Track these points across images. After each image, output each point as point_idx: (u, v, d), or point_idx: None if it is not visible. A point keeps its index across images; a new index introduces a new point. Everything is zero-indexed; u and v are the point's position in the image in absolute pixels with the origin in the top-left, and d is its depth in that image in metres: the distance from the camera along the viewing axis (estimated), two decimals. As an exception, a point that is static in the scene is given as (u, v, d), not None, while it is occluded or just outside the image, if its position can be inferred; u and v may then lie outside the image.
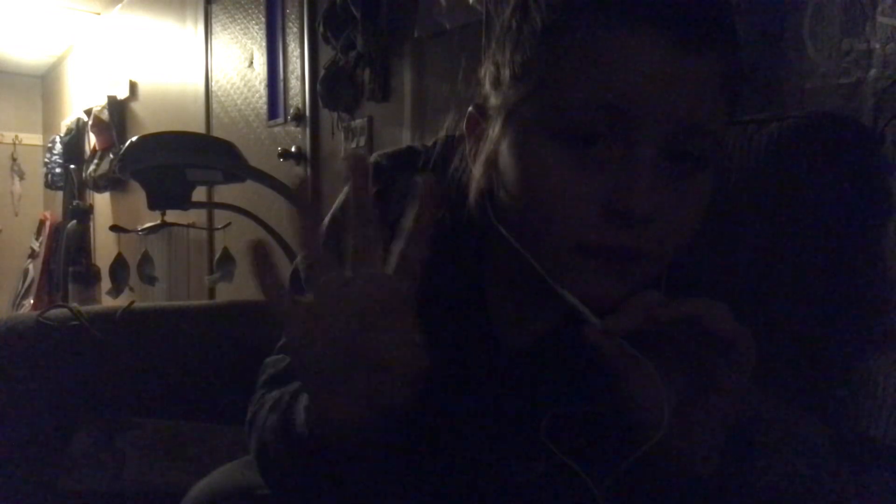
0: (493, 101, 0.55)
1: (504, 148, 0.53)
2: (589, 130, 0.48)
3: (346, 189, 0.65)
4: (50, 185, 4.65)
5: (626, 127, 0.47)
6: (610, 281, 0.50)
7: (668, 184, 0.48)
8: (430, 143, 0.65)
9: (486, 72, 0.56)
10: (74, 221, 4.06)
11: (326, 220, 0.63)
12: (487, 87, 0.56)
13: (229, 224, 1.99)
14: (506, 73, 0.53)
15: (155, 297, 2.96)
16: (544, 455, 0.57)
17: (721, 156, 0.55)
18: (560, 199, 0.49)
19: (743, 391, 0.49)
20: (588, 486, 0.52)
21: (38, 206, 5.25)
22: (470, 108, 0.57)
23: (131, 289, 2.32)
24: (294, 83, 2.19)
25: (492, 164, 0.55)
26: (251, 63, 2.44)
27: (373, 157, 0.64)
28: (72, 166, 4.29)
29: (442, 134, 0.61)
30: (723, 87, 0.48)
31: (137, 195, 2.92)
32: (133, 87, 3.65)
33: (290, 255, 1.59)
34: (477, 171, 0.56)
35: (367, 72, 1.77)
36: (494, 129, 0.54)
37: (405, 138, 1.69)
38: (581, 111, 0.47)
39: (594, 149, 0.48)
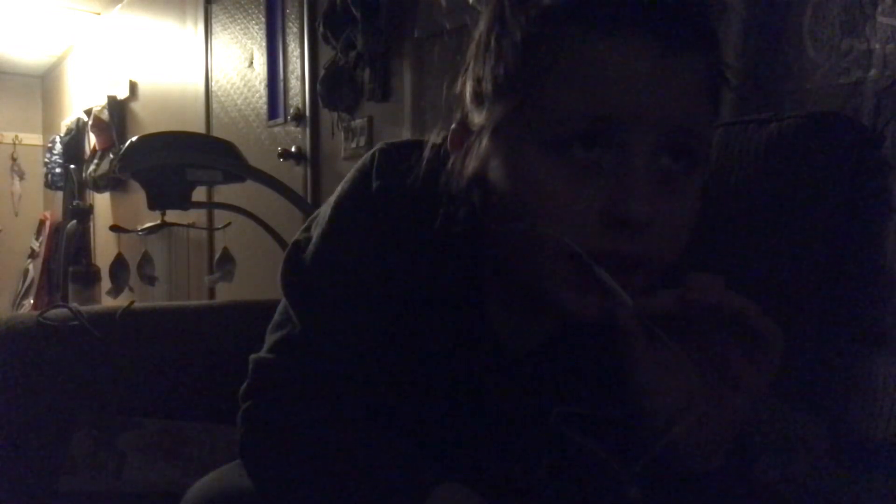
0: (477, 117, 0.54)
1: (494, 164, 0.53)
2: (580, 140, 0.48)
3: (343, 184, 0.65)
4: (50, 185, 4.65)
5: (618, 133, 0.47)
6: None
7: (663, 185, 0.48)
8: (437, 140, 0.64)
9: (467, 87, 0.56)
10: (74, 221, 4.05)
11: (329, 211, 0.62)
12: (468, 103, 0.55)
13: (229, 224, 1.99)
14: (488, 87, 0.52)
15: (155, 297, 2.96)
16: (548, 452, 0.57)
17: (710, 154, 0.55)
18: (557, 211, 0.48)
19: (762, 393, 0.48)
20: (614, 470, 0.51)
21: (38, 206, 5.25)
22: (453, 125, 0.57)
23: (131, 289, 2.31)
24: (294, 83, 2.19)
25: (480, 180, 0.54)
26: (251, 63, 2.44)
27: (379, 145, 0.63)
28: (72, 166, 4.29)
29: (437, 138, 0.61)
30: (707, 87, 0.49)
31: (137, 195, 2.92)
32: (133, 87, 3.65)
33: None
34: (465, 186, 0.55)
35: (367, 72, 1.77)
36: (481, 146, 0.53)
37: (405, 138, 1.69)
38: (570, 122, 0.48)
39: (587, 158, 0.48)
